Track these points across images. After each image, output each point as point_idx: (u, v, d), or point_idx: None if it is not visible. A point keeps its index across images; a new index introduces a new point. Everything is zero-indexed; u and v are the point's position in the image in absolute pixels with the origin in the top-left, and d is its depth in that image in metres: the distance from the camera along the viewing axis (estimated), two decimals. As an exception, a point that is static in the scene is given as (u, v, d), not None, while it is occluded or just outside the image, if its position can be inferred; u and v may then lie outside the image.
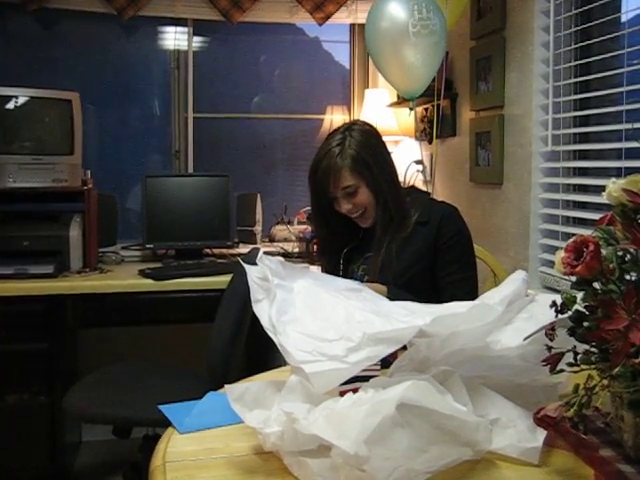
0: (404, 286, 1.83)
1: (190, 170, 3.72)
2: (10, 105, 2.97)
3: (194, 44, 3.76)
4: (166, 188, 3.29)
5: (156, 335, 3.26)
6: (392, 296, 1.51)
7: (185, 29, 3.72)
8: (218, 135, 3.91)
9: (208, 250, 3.36)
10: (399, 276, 1.85)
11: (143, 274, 2.84)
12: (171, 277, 2.80)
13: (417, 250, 1.87)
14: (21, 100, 3.00)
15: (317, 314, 1.09)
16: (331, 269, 2.00)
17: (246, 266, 1.15)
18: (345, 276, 1.95)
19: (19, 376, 2.75)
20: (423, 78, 2.59)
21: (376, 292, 1.61)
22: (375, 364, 1.07)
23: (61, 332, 2.83)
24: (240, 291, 2.28)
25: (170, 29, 3.75)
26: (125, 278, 2.88)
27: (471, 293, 1.86)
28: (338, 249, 2.02)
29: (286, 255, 3.24)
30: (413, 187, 2.15)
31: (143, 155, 3.84)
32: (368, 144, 1.89)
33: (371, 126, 1.97)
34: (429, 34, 2.44)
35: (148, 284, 2.77)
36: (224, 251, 3.38)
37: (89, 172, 3.12)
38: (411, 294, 1.76)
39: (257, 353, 2.65)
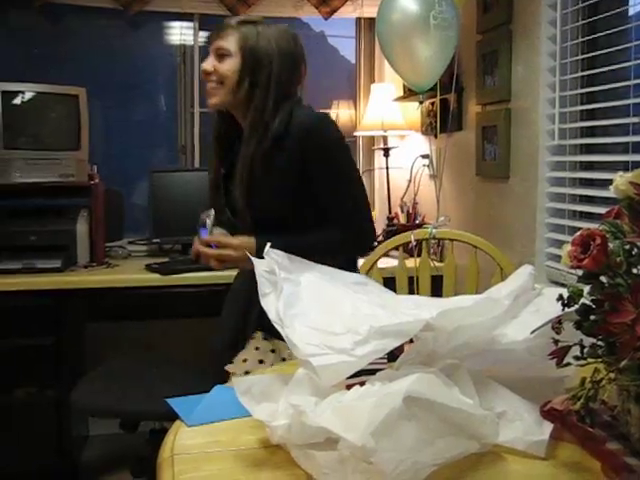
0: (277, 213, 1.75)
1: (196, 165, 3.72)
2: (17, 100, 2.98)
3: (200, 39, 3.76)
4: (172, 183, 3.30)
5: (162, 329, 3.26)
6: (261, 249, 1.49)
7: (191, 24, 3.71)
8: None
9: (214, 245, 3.36)
10: (267, 201, 1.75)
11: (150, 269, 2.85)
12: (177, 271, 2.80)
13: (280, 170, 1.73)
14: (27, 95, 3.01)
15: (324, 307, 1.10)
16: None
17: (253, 260, 1.15)
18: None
19: (27, 370, 2.77)
20: (434, 71, 2.59)
21: (246, 248, 1.66)
22: (382, 357, 1.07)
23: (68, 326, 2.84)
24: (246, 284, 2.29)
25: (176, 24, 3.75)
26: (132, 272, 2.89)
27: (360, 212, 1.79)
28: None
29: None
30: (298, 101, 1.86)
31: (149, 150, 3.85)
32: (279, 45, 1.77)
33: (296, 50, 1.84)
34: (446, 27, 2.44)
35: (155, 279, 2.78)
36: (230, 246, 3.38)
37: (95, 167, 3.13)
38: (287, 223, 1.73)
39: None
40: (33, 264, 2.79)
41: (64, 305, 2.79)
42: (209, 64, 1.78)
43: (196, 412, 1.18)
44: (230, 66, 1.75)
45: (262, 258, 1.39)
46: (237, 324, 2.26)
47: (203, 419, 1.16)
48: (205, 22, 3.73)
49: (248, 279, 2.29)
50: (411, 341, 1.09)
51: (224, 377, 1.81)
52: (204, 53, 3.73)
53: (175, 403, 1.24)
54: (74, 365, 2.90)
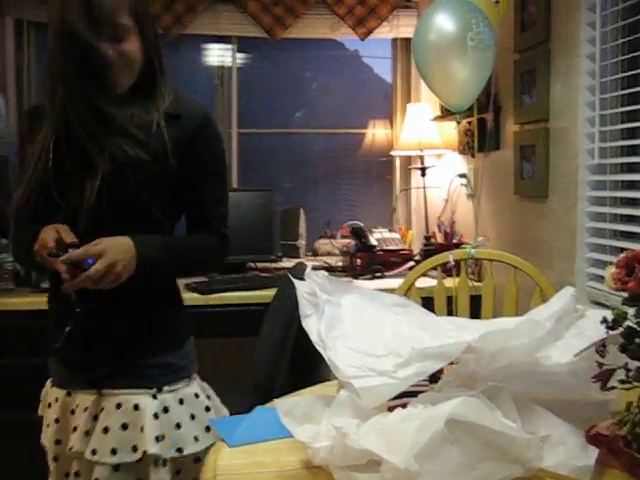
0: (142, 185, 1.43)
1: (235, 185, 3.76)
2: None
3: (238, 60, 3.82)
4: (211, 203, 3.34)
5: (201, 348, 3.28)
6: (141, 249, 1.39)
7: (229, 45, 3.78)
8: (262, 150, 3.95)
9: (252, 264, 3.39)
10: (137, 171, 1.42)
11: (189, 288, 2.88)
12: (216, 291, 2.83)
13: (162, 146, 1.45)
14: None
15: (365, 329, 1.10)
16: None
17: (295, 281, 1.17)
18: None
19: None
20: (472, 92, 2.59)
21: (119, 248, 1.36)
22: (423, 379, 1.07)
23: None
24: (285, 305, 2.31)
25: (214, 46, 3.82)
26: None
27: (226, 220, 1.63)
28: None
29: (329, 269, 3.26)
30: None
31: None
32: None
33: None
34: (484, 48, 2.45)
35: (194, 298, 2.81)
36: (268, 265, 3.41)
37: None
38: (148, 196, 1.45)
39: (301, 367, 2.66)
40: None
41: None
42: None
43: (238, 433, 1.19)
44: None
45: (145, 262, 1.40)
46: (275, 344, 2.28)
47: (245, 440, 1.17)
48: (243, 44, 3.79)
49: (287, 299, 2.32)
50: (452, 363, 1.09)
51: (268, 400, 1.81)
52: (242, 74, 3.80)
53: (217, 423, 1.26)
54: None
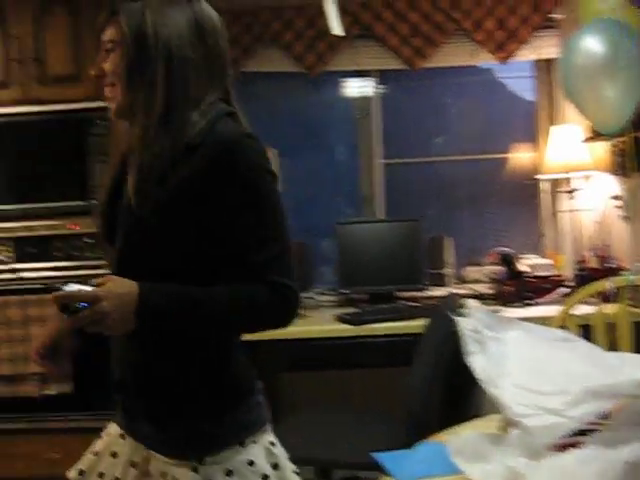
0: (158, 231, 1.28)
1: (381, 215, 3.81)
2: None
3: (377, 91, 3.88)
4: (358, 234, 3.42)
5: (353, 379, 3.34)
6: (146, 295, 1.21)
7: (368, 78, 3.85)
8: (406, 179, 3.98)
9: (399, 293, 3.41)
10: (150, 216, 1.28)
11: (340, 319, 2.95)
12: (367, 322, 2.87)
13: (178, 184, 1.27)
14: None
15: (532, 367, 1.10)
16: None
17: (458, 319, 1.18)
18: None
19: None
20: (623, 112, 2.51)
21: (122, 291, 1.20)
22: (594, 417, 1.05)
23: (265, 376, 2.98)
24: (437, 336, 2.31)
25: (354, 79, 3.91)
26: (323, 323, 3.00)
27: (277, 263, 1.27)
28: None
29: (479, 297, 3.22)
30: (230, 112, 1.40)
31: (332, 202, 3.99)
32: (171, 21, 1.33)
33: (207, 28, 1.37)
34: (634, 67, 2.38)
35: (346, 329, 2.87)
36: (415, 294, 3.42)
37: (286, 222, 3.29)
38: (169, 248, 1.28)
39: (454, 398, 2.64)
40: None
41: (261, 355, 2.93)
42: (95, 65, 1.37)
43: (405, 468, 1.21)
44: (114, 59, 1.33)
45: (145, 312, 1.20)
46: (428, 374, 2.28)
47: (413, 475, 1.18)
48: (384, 76, 3.85)
49: (439, 330, 2.32)
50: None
51: (422, 431, 1.81)
52: (382, 105, 3.86)
53: (383, 458, 1.28)
54: (272, 414, 3.02)
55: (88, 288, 1.21)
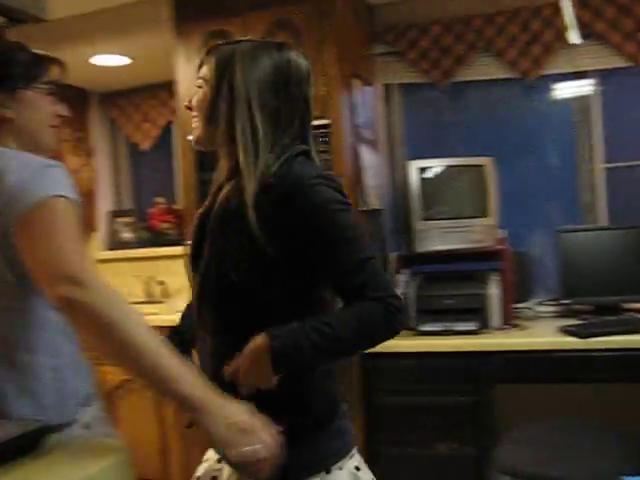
0: (246, 280, 1.34)
1: (604, 222, 3.62)
2: (429, 174, 3.26)
3: (596, 92, 3.69)
4: (580, 242, 3.27)
5: (575, 394, 3.19)
6: (278, 345, 1.25)
7: (586, 79, 3.67)
8: (632, 183, 3.74)
9: (626, 305, 3.22)
10: (234, 267, 1.34)
11: (565, 331, 2.84)
12: (597, 334, 2.74)
13: (260, 224, 1.33)
14: (438, 169, 3.28)
15: None
16: None
17: None
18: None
19: (448, 427, 2.95)
20: None
21: (257, 352, 1.26)
22: None
23: (486, 387, 2.96)
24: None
25: (570, 82, 3.75)
26: (544, 335, 2.91)
27: (375, 279, 1.32)
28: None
29: None
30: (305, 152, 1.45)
31: (549, 210, 3.85)
32: (264, 67, 1.41)
33: (291, 73, 1.43)
34: None
35: (571, 342, 2.76)
36: (641, 305, 3.21)
37: (503, 232, 3.25)
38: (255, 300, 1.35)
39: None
40: (451, 327, 2.99)
41: (479, 366, 2.91)
42: (188, 99, 1.52)
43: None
44: (200, 95, 1.47)
45: (281, 360, 1.25)
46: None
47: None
48: (602, 75, 3.65)
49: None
50: None
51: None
52: (602, 106, 3.66)
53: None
54: (488, 425, 2.99)
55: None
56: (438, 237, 3.16)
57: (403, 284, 3.22)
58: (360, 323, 1.30)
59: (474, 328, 2.97)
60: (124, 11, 3.34)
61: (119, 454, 1.14)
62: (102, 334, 1.19)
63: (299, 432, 1.34)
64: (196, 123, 1.47)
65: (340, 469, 1.38)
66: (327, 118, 2.96)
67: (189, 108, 1.48)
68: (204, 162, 3.06)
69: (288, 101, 1.41)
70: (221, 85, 1.41)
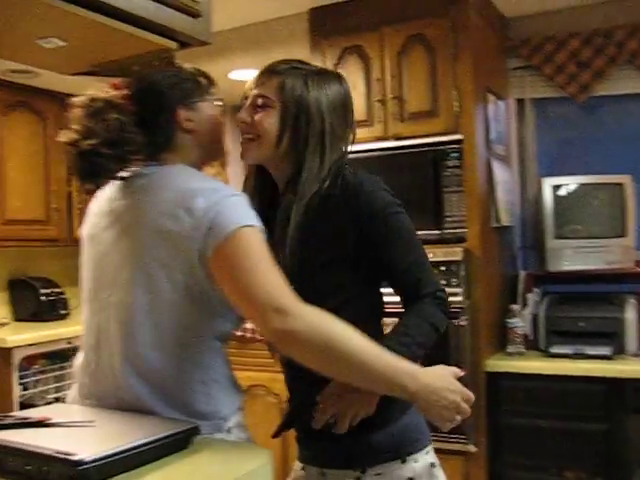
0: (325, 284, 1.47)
1: None
2: (563, 192, 3.17)
3: None
4: None
5: None
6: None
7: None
8: None
9: None
10: (314, 269, 1.48)
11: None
12: None
13: (325, 235, 1.48)
14: (572, 187, 3.18)
15: None
16: None
17: None
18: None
19: (577, 454, 2.83)
20: None
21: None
22: None
23: (619, 415, 2.83)
24: None
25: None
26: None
27: (430, 275, 1.49)
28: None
29: None
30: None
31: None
32: (331, 96, 1.53)
33: (348, 101, 1.58)
34: None
35: None
36: None
37: (642, 253, 3.10)
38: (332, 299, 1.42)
39: None
40: (583, 350, 2.88)
41: (614, 393, 2.79)
42: (247, 114, 1.53)
43: None
44: (270, 118, 1.50)
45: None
46: None
47: None
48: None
49: None
50: None
51: None
52: None
53: None
54: (620, 457, 2.86)
55: None
56: (571, 256, 3.06)
57: (533, 303, 3.14)
58: (428, 322, 1.44)
59: (608, 353, 2.85)
60: (262, 27, 3.46)
61: (265, 458, 1.18)
62: (322, 356, 1.25)
63: (378, 422, 1.43)
64: (255, 144, 1.51)
65: (415, 462, 1.45)
66: (460, 133, 2.94)
67: (247, 124, 1.52)
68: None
69: (345, 126, 1.56)
70: (293, 115, 1.49)
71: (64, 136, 1.44)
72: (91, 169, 1.42)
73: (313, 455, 1.56)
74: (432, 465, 1.48)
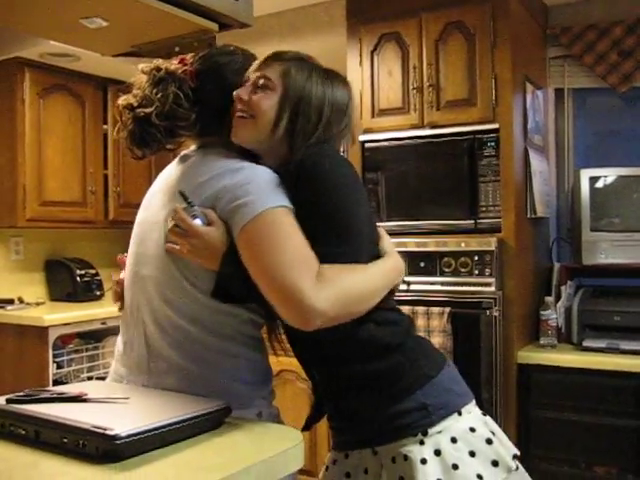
0: None
1: None
2: (600, 184, 3.12)
3: None
4: None
5: None
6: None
7: None
8: None
9: None
10: None
11: None
12: None
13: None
14: (610, 179, 3.14)
15: None
16: None
17: None
18: None
19: (607, 449, 2.81)
20: None
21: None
22: None
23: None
24: None
25: None
26: None
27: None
28: None
29: None
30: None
31: None
32: (333, 93, 1.49)
33: (350, 103, 1.54)
34: None
35: None
36: None
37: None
38: None
39: None
40: (617, 344, 2.84)
41: None
42: (245, 92, 1.46)
43: None
44: (269, 100, 1.45)
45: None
46: None
47: None
48: None
49: None
50: None
51: None
52: None
53: None
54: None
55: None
56: (607, 250, 3.02)
57: (566, 296, 3.11)
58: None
59: (644, 348, 2.81)
60: (301, 12, 3.45)
61: (296, 439, 1.18)
62: (343, 319, 1.31)
63: (415, 379, 1.44)
64: (249, 123, 1.46)
65: (469, 413, 1.47)
66: (497, 122, 2.91)
67: (244, 102, 1.46)
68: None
69: (343, 129, 1.53)
70: (298, 98, 1.45)
71: (123, 100, 1.47)
72: (141, 136, 1.45)
73: (360, 439, 1.49)
74: (484, 414, 1.52)
